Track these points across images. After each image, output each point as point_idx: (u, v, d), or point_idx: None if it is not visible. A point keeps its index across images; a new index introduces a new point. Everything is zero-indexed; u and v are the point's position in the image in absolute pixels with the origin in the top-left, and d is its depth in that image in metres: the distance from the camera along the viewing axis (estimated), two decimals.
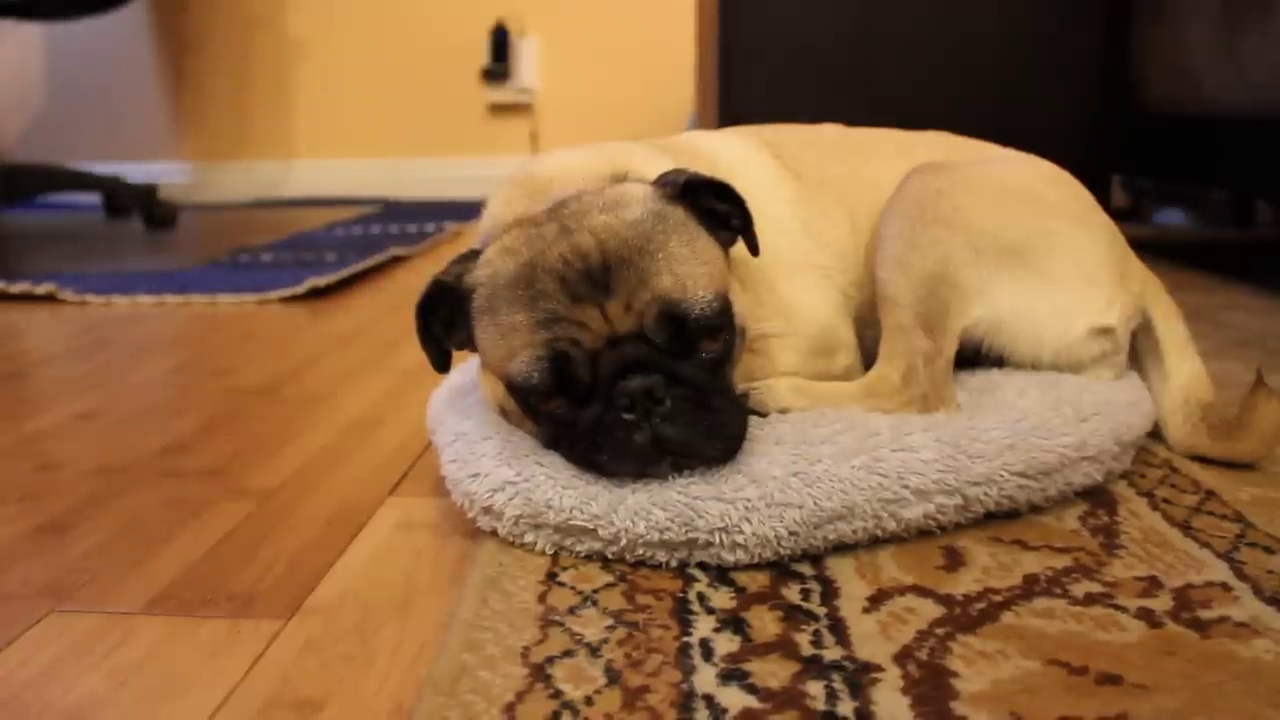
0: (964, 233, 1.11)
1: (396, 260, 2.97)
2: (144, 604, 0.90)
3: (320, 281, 2.45)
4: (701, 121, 3.27)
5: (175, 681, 0.78)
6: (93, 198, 4.36)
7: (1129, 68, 2.60)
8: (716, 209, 1.04)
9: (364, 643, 0.82)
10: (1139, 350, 1.22)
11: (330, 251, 3.05)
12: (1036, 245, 1.13)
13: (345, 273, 2.60)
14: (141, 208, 4.00)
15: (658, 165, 1.08)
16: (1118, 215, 3.17)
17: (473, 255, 1.02)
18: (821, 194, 1.25)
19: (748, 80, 2.54)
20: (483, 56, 5.16)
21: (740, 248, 1.07)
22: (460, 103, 5.25)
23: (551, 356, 0.93)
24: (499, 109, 5.26)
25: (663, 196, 1.00)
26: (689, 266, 0.95)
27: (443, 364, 1.07)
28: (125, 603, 0.91)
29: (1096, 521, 0.99)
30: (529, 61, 5.17)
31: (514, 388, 0.98)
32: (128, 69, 5.38)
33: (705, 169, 1.09)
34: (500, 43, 5.11)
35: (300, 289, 2.41)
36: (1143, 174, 2.96)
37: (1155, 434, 1.18)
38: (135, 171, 4.59)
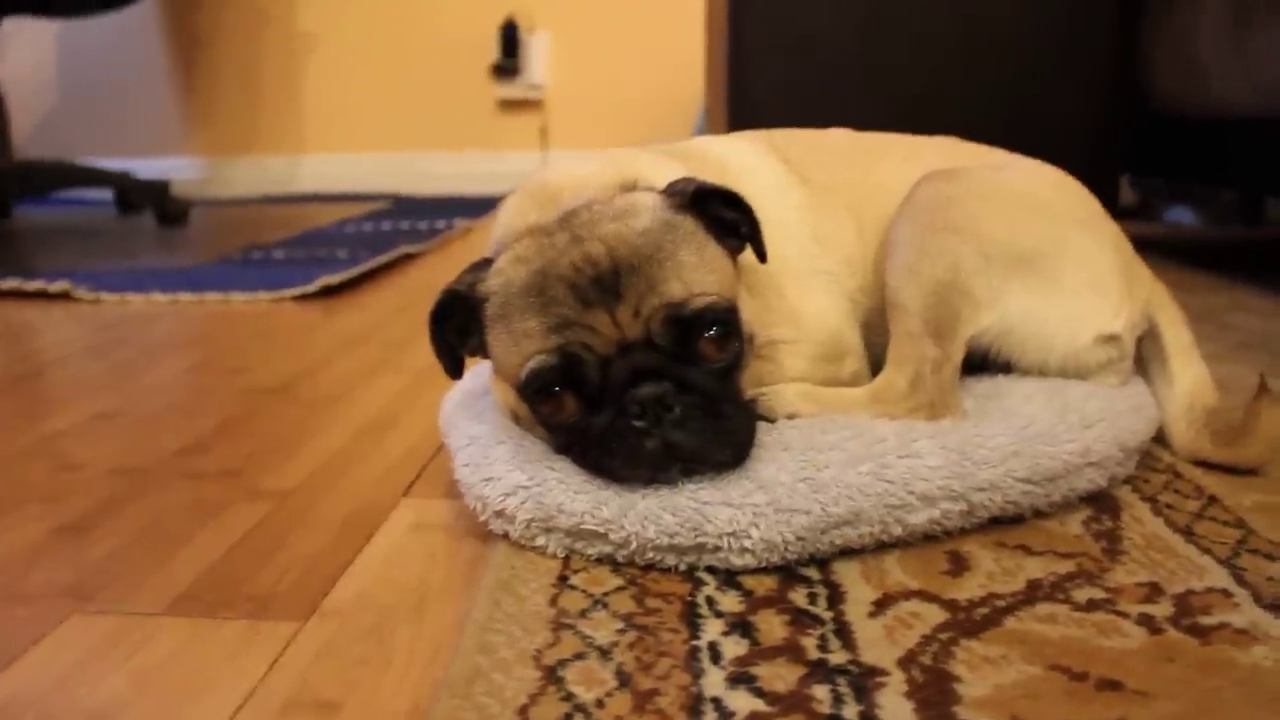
0: (974, 240, 1.13)
1: (408, 257, 2.99)
2: (165, 605, 0.92)
3: (332, 279, 2.47)
4: (711, 115, 3.28)
5: (197, 682, 0.80)
6: (105, 193, 4.38)
7: (1139, 67, 2.60)
8: (725, 216, 1.05)
9: (380, 644, 0.84)
10: (1144, 356, 1.23)
11: (342, 248, 3.07)
12: (1046, 253, 1.14)
13: (356, 271, 2.62)
14: (154, 204, 4.03)
15: (666, 172, 1.10)
16: (1126, 213, 3.19)
17: (485, 264, 1.04)
18: (830, 199, 1.26)
19: (758, 73, 2.55)
20: (492, 52, 5.18)
21: (749, 254, 1.09)
22: (470, 98, 5.27)
23: (562, 360, 0.95)
24: (509, 104, 5.28)
25: (672, 205, 1.02)
26: (697, 274, 0.97)
27: (456, 371, 1.09)
28: (147, 604, 0.93)
29: (1100, 527, 1.00)
30: (539, 57, 5.18)
31: (526, 393, 0.99)
32: (139, 65, 5.40)
33: (714, 174, 1.11)
34: (510, 38, 5.12)
35: (312, 287, 2.43)
36: (1152, 173, 2.97)
37: (1160, 439, 1.19)
38: (147, 167, 4.62)
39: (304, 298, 2.42)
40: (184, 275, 2.68)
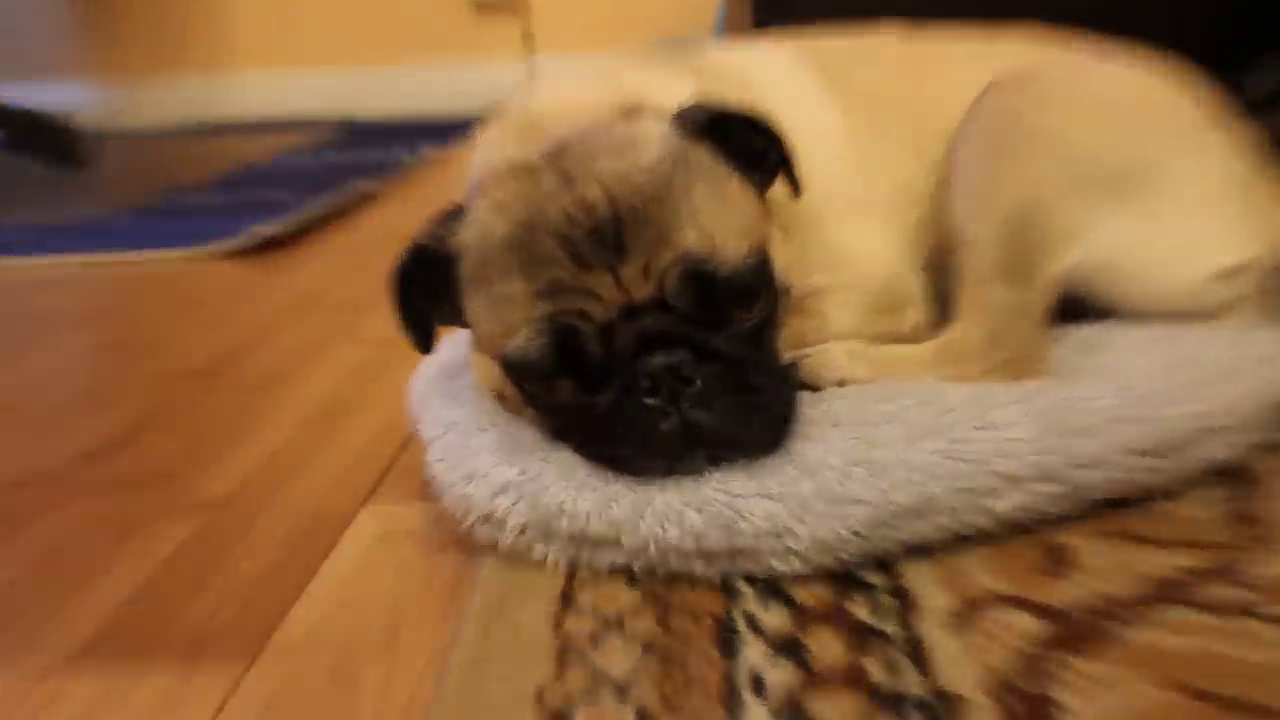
0: (1054, 160, 1.12)
1: (364, 198, 2.98)
2: (68, 656, 0.92)
3: (270, 230, 2.47)
4: (732, 9, 3.25)
5: None
6: None
7: None
8: (750, 144, 1.04)
9: (344, 690, 0.84)
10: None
11: (281, 189, 3.07)
12: (1147, 170, 1.14)
13: (300, 218, 2.62)
14: (48, 141, 4.01)
15: (676, 91, 1.09)
16: (1266, 103, 3.14)
17: (457, 212, 1.03)
18: (878, 118, 1.26)
19: None
20: None
21: (780, 189, 1.08)
22: None
23: (554, 332, 0.94)
24: (485, 6, 5.24)
25: (684, 134, 1.01)
26: (717, 218, 0.96)
27: (426, 344, 1.09)
28: (45, 658, 0.92)
29: (1232, 507, 0.99)
30: None
31: (512, 370, 0.99)
32: None
33: (735, 90, 1.10)
34: None
35: (246, 240, 2.42)
36: None
37: None
38: (36, 94, 4.60)
39: (237, 253, 2.41)
40: (88, 230, 2.68)
